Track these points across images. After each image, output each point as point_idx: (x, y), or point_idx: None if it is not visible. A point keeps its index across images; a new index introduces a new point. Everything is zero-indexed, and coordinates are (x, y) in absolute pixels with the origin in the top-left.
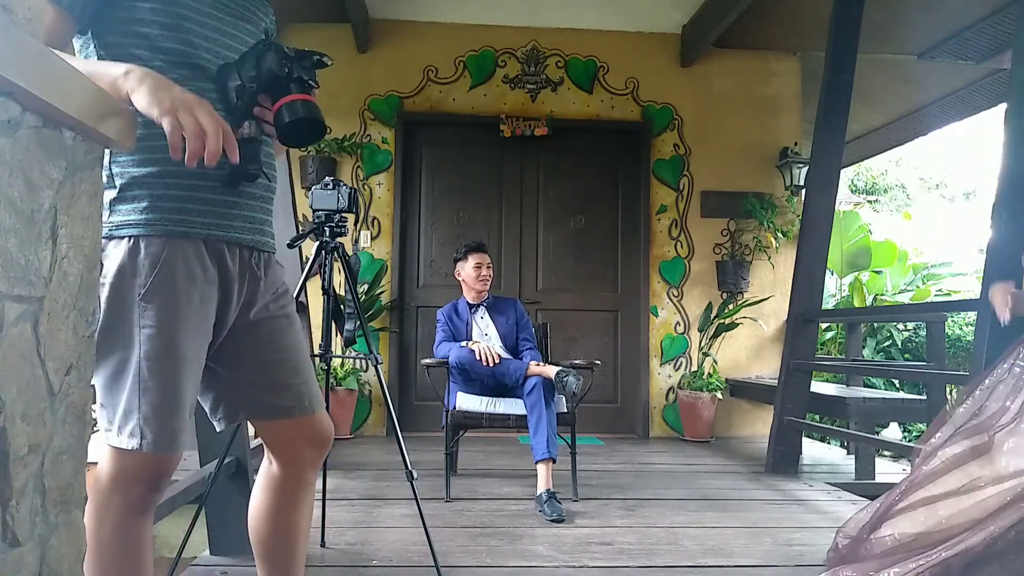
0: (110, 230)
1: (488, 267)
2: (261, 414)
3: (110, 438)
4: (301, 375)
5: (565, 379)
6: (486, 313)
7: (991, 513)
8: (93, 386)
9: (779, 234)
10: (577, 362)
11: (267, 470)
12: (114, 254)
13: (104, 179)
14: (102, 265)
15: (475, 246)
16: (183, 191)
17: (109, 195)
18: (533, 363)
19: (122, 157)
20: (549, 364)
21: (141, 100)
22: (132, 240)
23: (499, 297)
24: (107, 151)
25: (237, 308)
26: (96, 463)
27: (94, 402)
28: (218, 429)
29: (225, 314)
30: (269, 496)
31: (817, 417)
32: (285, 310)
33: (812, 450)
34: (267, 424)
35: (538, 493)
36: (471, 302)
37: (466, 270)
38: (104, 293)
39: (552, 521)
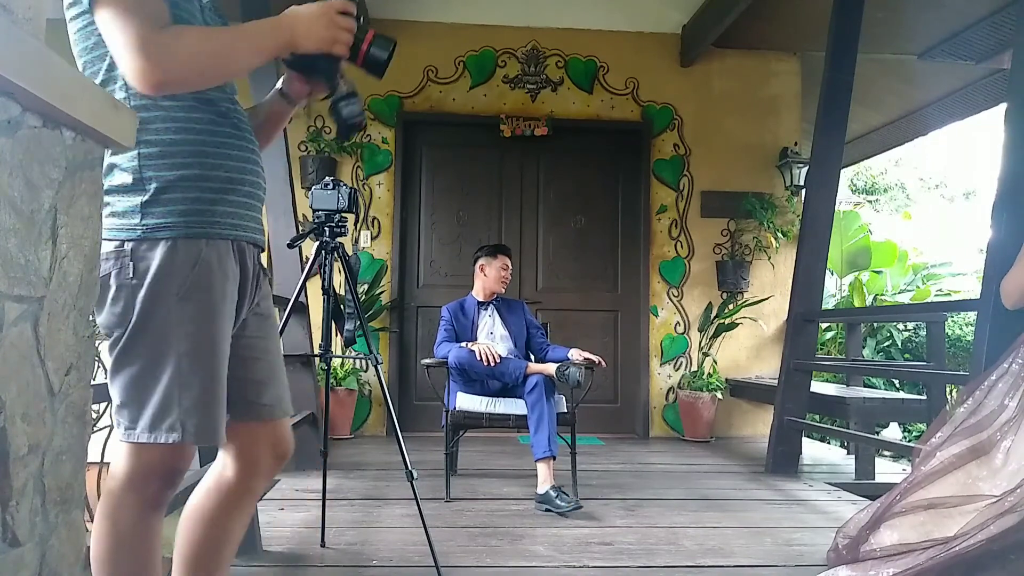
0: (144, 232)
1: (510, 272)
2: (240, 413)
3: (134, 435)
4: (278, 376)
5: (566, 371)
6: (495, 312)
7: (991, 515)
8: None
9: (779, 234)
10: (576, 361)
11: (217, 474)
12: (150, 256)
13: (131, 181)
14: (135, 268)
15: (505, 249)
16: (214, 194)
17: (140, 199)
18: (532, 363)
19: (154, 161)
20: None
21: (309, 47)
22: (170, 242)
23: (504, 298)
24: (139, 156)
25: (249, 305)
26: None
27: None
28: None
29: (240, 311)
30: (212, 501)
31: (817, 417)
32: (268, 309)
33: (812, 450)
34: (240, 425)
35: (543, 491)
36: (481, 300)
37: (492, 268)
38: (141, 294)
39: (569, 512)
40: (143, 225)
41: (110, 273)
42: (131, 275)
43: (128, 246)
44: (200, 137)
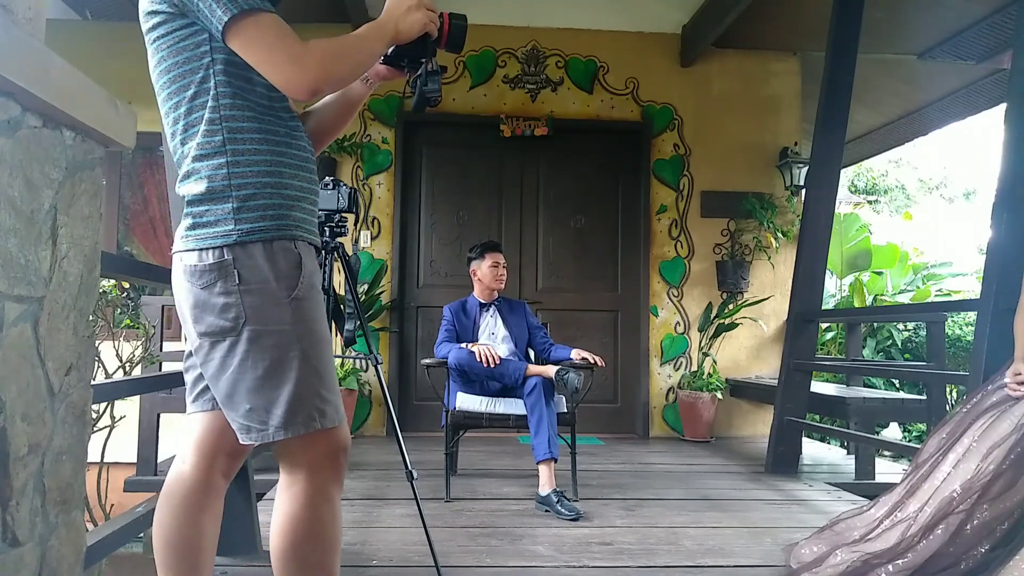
0: (240, 237)
1: (504, 267)
2: (204, 402)
3: (273, 432)
4: None
5: (565, 376)
6: (496, 313)
7: (912, 535)
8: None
9: (779, 234)
10: (576, 362)
11: (176, 473)
12: (251, 262)
13: (219, 189)
14: (240, 275)
15: (492, 245)
16: (293, 200)
17: (230, 205)
18: (531, 364)
19: (241, 169)
20: (548, 364)
21: (412, 33)
22: (266, 244)
23: (506, 299)
24: (227, 165)
25: None
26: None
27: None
28: (189, 411)
29: None
30: (175, 499)
31: (817, 417)
32: None
33: (812, 450)
34: (212, 414)
35: (545, 494)
36: (482, 301)
37: (483, 269)
38: (251, 299)
39: (571, 520)
40: (238, 230)
41: (215, 283)
42: (237, 282)
43: (229, 256)
44: (279, 148)
